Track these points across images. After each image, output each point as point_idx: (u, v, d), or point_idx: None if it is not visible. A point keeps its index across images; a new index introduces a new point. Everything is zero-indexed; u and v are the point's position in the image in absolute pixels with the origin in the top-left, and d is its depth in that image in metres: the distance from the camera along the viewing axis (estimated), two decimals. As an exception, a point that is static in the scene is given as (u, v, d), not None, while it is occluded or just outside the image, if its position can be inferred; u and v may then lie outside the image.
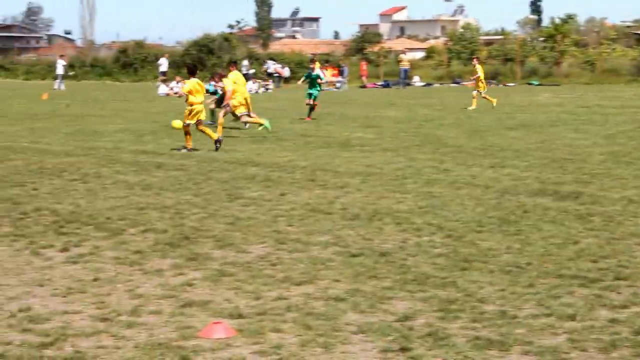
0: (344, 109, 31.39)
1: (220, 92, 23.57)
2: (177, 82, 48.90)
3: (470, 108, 30.18)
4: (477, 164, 15.35)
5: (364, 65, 59.17)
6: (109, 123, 25.58)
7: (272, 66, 56.80)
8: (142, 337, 6.00)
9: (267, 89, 52.18)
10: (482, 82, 31.83)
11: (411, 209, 10.96)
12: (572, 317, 6.43)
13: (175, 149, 17.73)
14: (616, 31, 71.59)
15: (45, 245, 8.91)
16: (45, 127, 23.73)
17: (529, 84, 52.86)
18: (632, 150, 16.98)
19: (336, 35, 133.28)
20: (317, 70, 28.17)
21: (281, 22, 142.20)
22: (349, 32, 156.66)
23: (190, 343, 5.90)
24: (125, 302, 6.88)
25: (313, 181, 13.42)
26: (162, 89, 46.80)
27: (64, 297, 7.04)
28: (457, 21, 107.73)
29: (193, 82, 18.33)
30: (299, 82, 28.32)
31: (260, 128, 22.17)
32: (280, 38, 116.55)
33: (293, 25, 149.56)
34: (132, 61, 69.71)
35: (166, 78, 52.96)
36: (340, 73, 54.34)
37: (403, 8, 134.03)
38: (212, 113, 24.40)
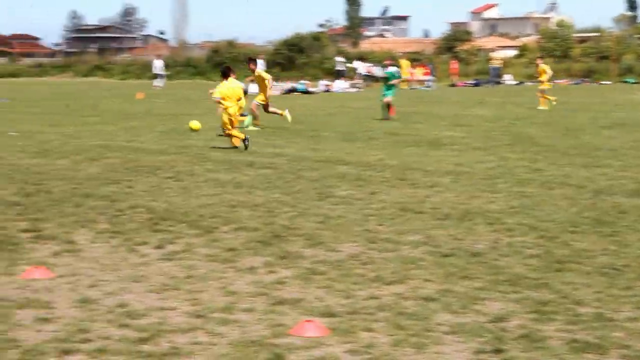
0: (434, 108, 31.20)
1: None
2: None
3: (541, 107, 29.64)
4: (570, 163, 15.09)
5: (454, 64, 58.69)
6: (201, 122, 25.91)
7: (360, 66, 56.74)
8: (235, 334, 6.07)
9: (357, 88, 52.18)
10: (546, 81, 31.09)
11: (503, 209, 10.83)
12: (672, 321, 6.27)
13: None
14: None
15: (140, 242, 9.08)
16: (140, 126, 24.18)
17: (625, 81, 51.70)
18: None
19: (426, 34, 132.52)
20: (392, 69, 27.97)
21: (371, 21, 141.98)
22: (439, 30, 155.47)
23: (283, 341, 5.94)
24: (219, 299, 6.96)
25: (403, 180, 13.37)
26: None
27: (159, 293, 7.17)
28: (549, 18, 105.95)
29: (223, 87, 18.28)
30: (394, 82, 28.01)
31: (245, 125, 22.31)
32: (370, 37, 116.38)
33: (383, 24, 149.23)
34: (224, 60, 70.52)
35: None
36: (431, 72, 54.02)
37: (494, 5, 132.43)
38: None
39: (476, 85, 53.32)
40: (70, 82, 65.76)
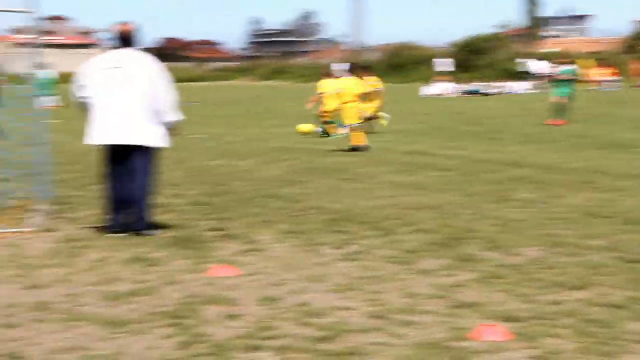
0: (619, 110, 30.15)
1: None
2: (445, 83, 49.16)
3: None
4: None
5: (635, 64, 56.46)
6: (385, 122, 26.08)
7: (537, 66, 55.57)
8: (415, 336, 6.08)
9: (540, 89, 51.17)
10: None
11: (695, 215, 10.34)
12: None
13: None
14: None
15: (320, 243, 9.24)
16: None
17: None
18: None
19: (609, 33, 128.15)
20: (568, 67, 27.06)
21: (551, 21, 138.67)
22: (623, 30, 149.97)
23: (464, 344, 5.90)
24: (398, 301, 6.99)
25: (586, 183, 13.01)
26: (429, 90, 47.10)
27: (340, 293, 7.26)
28: None
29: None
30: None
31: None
32: (550, 37, 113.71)
33: (564, 24, 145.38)
34: (401, 63, 70.73)
35: (444, 79, 52.98)
36: (618, 72, 52.23)
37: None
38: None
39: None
40: (251, 85, 67.59)
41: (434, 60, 59.10)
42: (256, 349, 5.81)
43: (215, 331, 6.19)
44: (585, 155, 16.53)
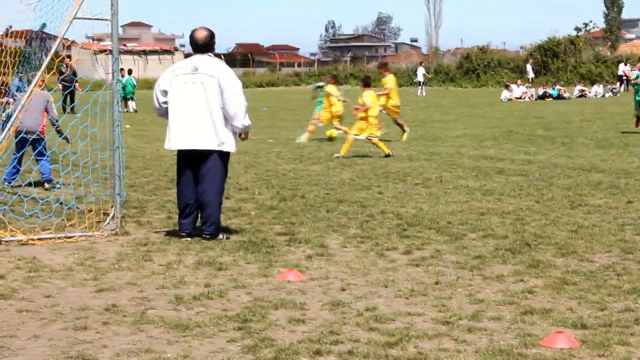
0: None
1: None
2: (518, 86, 48.59)
3: None
4: None
5: None
6: (451, 128, 25.94)
7: (621, 69, 54.55)
8: (482, 343, 6.01)
9: (614, 92, 50.25)
10: None
11: None
12: None
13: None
14: None
15: (389, 248, 9.20)
16: (391, 133, 24.48)
17: None
18: None
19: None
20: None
21: (632, 23, 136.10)
22: None
23: (532, 351, 5.81)
24: (466, 307, 6.92)
25: (664, 189, 12.72)
26: (507, 94, 46.59)
27: (407, 298, 7.22)
28: None
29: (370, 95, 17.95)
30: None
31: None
32: (631, 39, 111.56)
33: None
34: (475, 67, 70.15)
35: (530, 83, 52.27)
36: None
37: None
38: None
39: None
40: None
41: (527, 65, 58.31)
42: (322, 353, 5.81)
43: (281, 335, 6.21)
44: (662, 160, 16.19)
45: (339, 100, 22.19)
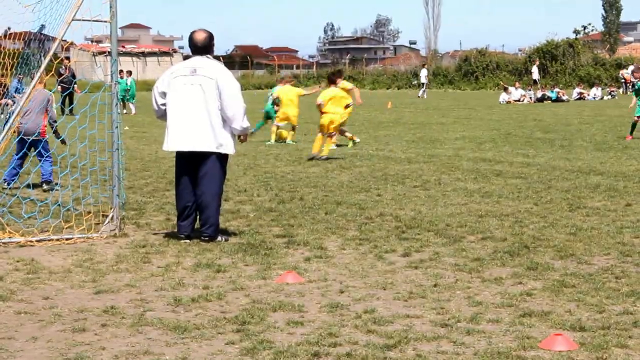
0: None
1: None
2: (516, 89, 48.61)
3: None
4: None
5: None
6: (449, 131, 25.95)
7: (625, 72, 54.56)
8: (481, 345, 6.01)
9: (612, 95, 50.31)
10: None
11: None
12: None
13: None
14: None
15: (388, 250, 9.20)
16: (389, 135, 24.54)
17: None
18: None
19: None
20: None
21: (631, 26, 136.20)
22: None
23: (530, 354, 5.81)
24: (464, 309, 6.92)
25: (662, 191, 12.72)
26: (505, 96, 46.59)
27: (406, 301, 7.22)
28: None
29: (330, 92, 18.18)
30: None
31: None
32: (629, 42, 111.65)
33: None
34: (474, 69, 70.19)
35: (537, 85, 52.25)
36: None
37: None
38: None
39: None
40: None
41: (533, 68, 58.30)
42: (320, 356, 5.80)
43: (279, 338, 6.21)
44: (661, 163, 16.20)
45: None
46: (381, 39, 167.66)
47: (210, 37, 9.94)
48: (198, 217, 9.83)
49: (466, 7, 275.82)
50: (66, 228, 10.08)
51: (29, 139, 12.46)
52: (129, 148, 19.69)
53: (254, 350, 5.92)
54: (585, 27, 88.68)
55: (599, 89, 51.52)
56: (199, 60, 9.79)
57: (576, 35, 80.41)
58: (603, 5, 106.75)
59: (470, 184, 13.98)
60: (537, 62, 60.25)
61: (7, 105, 14.32)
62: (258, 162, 17.60)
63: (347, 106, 18.67)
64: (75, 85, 33.48)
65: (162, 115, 9.94)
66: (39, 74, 10.29)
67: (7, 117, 12.02)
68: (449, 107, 41.10)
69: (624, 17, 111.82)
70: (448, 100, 49.33)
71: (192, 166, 9.74)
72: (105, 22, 10.11)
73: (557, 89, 49.56)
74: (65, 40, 10.40)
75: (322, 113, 18.26)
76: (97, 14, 10.05)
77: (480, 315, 6.73)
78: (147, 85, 50.06)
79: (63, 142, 12.93)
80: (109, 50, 10.43)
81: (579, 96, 49.68)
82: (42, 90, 13.13)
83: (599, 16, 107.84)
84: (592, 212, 11.22)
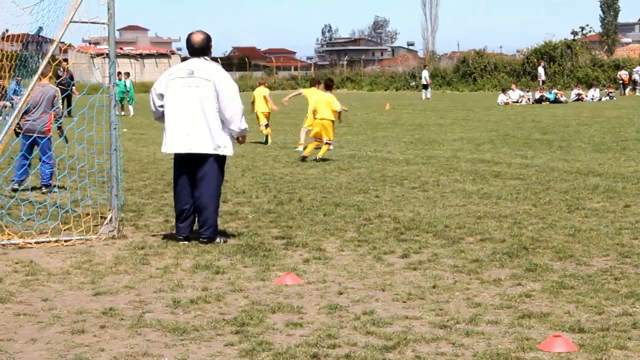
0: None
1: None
2: (514, 90, 48.61)
3: None
4: None
5: None
6: (448, 132, 25.95)
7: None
8: (480, 347, 6.01)
9: (610, 97, 50.31)
10: None
11: None
12: None
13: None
14: None
15: (386, 251, 9.19)
16: (388, 136, 24.54)
17: None
18: None
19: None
20: None
21: (629, 27, 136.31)
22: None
23: (530, 355, 5.81)
24: (464, 311, 6.92)
25: (660, 192, 12.72)
26: (504, 97, 46.59)
27: (405, 302, 7.22)
28: None
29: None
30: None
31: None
32: (627, 43, 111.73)
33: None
34: (472, 70, 70.20)
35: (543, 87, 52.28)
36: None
37: None
38: None
39: None
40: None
41: (539, 68, 58.24)
42: (319, 357, 5.80)
43: (278, 339, 6.21)
44: (659, 164, 16.21)
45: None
46: (379, 40, 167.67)
47: (208, 39, 9.93)
48: (196, 218, 9.82)
49: (464, 8, 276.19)
50: (65, 230, 10.07)
51: (32, 136, 12.43)
52: (128, 150, 19.69)
53: (252, 351, 5.91)
54: (583, 28, 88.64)
55: (597, 90, 51.51)
56: (196, 62, 9.79)
57: (574, 36, 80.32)
58: (601, 7, 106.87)
59: (469, 185, 13.98)
60: (542, 63, 60.25)
61: (5, 107, 14.31)
62: (256, 164, 17.60)
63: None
64: (74, 87, 33.41)
65: (160, 117, 9.94)
66: (36, 76, 10.28)
67: (5, 118, 12.03)
68: (447, 109, 41.10)
69: (621, 18, 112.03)
70: (446, 102, 49.33)
71: (190, 168, 9.74)
72: (103, 24, 10.10)
73: (555, 90, 49.57)
74: (63, 42, 10.39)
75: (315, 118, 18.45)
76: (94, 16, 10.05)
77: (479, 316, 6.72)
78: (145, 87, 50.04)
79: (66, 140, 12.89)
80: (107, 52, 10.43)
81: (577, 97, 49.69)
82: (47, 85, 13.12)
83: (597, 17, 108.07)
84: (591, 214, 11.23)
